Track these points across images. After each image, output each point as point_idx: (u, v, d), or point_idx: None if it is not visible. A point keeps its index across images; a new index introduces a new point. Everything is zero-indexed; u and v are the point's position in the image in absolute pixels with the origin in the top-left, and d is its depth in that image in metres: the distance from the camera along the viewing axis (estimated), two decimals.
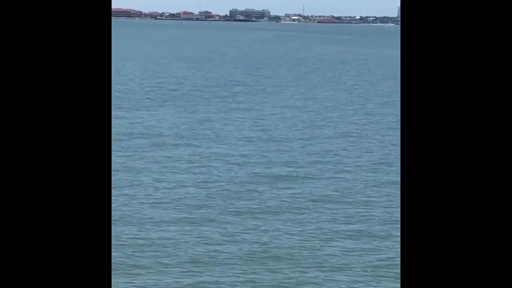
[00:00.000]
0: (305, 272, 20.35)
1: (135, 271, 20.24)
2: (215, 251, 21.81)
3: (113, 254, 20.97)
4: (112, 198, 26.02)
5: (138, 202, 26.52)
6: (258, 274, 20.33)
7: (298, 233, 23.55)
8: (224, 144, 37.97)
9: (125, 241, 22.32)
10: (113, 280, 19.39)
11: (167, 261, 20.93)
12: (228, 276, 20.09)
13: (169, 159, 33.90)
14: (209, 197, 27.44)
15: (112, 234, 22.73)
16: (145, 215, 25.00)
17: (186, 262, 20.92)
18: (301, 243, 22.60)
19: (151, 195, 27.58)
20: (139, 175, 30.58)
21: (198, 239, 22.76)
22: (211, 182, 29.75)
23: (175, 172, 31.41)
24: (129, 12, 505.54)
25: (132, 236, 22.86)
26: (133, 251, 21.57)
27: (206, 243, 22.44)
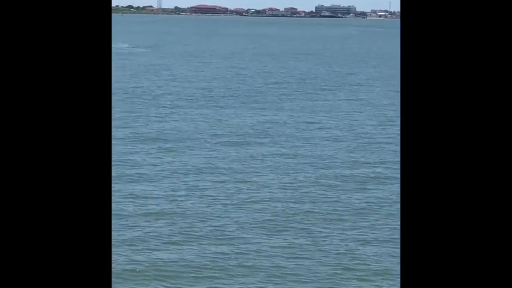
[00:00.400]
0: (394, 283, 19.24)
1: (212, 274, 19.45)
2: (300, 257, 20.84)
3: (200, 255, 20.51)
4: (193, 199, 25.51)
5: (222, 204, 25.72)
6: (346, 283, 19.32)
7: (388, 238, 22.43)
8: (309, 144, 37.00)
9: (206, 248, 21.53)
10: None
11: (248, 265, 20.07)
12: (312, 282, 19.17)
13: (252, 159, 33.08)
14: (294, 199, 26.49)
15: (198, 233, 22.20)
16: (228, 217, 24.18)
17: (270, 267, 20.02)
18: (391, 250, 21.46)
19: (233, 196, 26.76)
20: (222, 176, 29.81)
21: (283, 244, 21.82)
22: (296, 183, 28.80)
23: (259, 172, 30.54)
24: (215, 8, 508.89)
25: (214, 240, 22.07)
26: (214, 256, 20.76)
27: (291, 248, 21.49)
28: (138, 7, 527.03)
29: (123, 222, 23.33)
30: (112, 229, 21.97)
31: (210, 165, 31.60)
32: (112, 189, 26.98)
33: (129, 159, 32.32)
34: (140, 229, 22.74)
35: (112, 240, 21.15)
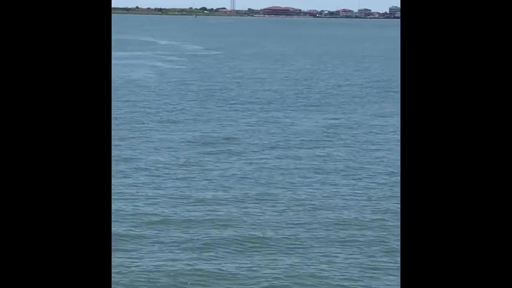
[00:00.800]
0: None
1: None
2: (376, 277, 19.95)
3: (264, 258, 19.83)
4: (262, 206, 24.76)
5: (294, 212, 24.95)
6: None
7: None
8: (383, 149, 36.02)
9: (277, 259, 20.78)
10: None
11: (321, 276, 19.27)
12: None
13: (324, 163, 32.24)
14: (370, 211, 25.57)
15: (269, 243, 21.48)
16: (299, 222, 23.40)
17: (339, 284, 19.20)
18: None
19: (305, 202, 25.98)
20: (292, 180, 29.05)
21: (357, 256, 20.95)
22: (370, 189, 27.86)
23: (330, 180, 29.69)
24: (288, 10, 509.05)
25: (285, 249, 21.31)
26: (292, 264, 20.00)
27: (371, 268, 20.61)
28: (212, 9, 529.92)
29: (192, 230, 22.73)
30: (182, 234, 21.63)
31: (279, 169, 30.85)
32: (180, 194, 26.52)
33: (199, 164, 31.77)
34: (207, 236, 22.10)
35: (176, 247, 20.76)
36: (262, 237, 22.14)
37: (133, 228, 22.62)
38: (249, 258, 20.49)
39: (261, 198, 26.34)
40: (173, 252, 20.76)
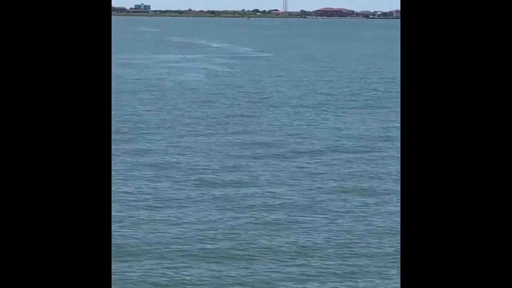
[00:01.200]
0: None
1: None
2: None
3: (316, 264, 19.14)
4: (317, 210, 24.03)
5: (344, 220, 24.26)
6: None
7: None
8: None
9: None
10: None
11: None
12: None
13: (377, 167, 31.49)
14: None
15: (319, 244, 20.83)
16: (348, 230, 22.72)
17: None
18: None
19: (356, 210, 25.28)
20: (345, 185, 28.37)
21: None
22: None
23: (383, 179, 28.95)
24: (341, 11, 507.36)
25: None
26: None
27: None
28: (264, 11, 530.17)
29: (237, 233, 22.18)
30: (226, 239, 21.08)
31: (330, 174, 30.17)
32: (227, 199, 25.99)
33: (246, 170, 31.22)
34: (270, 239, 21.53)
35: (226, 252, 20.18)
36: (313, 243, 21.51)
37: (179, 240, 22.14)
38: (299, 267, 19.89)
39: (311, 205, 25.72)
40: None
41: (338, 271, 19.64)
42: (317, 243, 21.62)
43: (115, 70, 77.94)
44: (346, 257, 20.61)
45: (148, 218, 23.74)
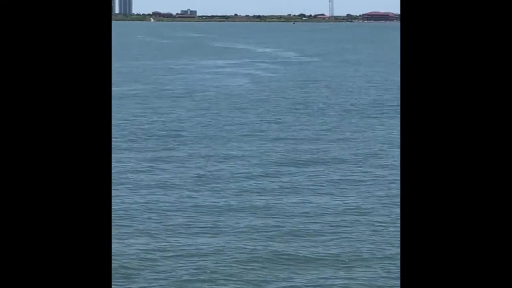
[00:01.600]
0: None
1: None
2: None
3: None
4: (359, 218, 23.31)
5: (394, 228, 23.53)
6: None
7: None
8: None
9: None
10: None
11: None
12: None
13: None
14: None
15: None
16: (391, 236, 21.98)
17: None
18: None
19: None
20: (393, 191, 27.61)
21: None
22: None
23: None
24: (388, 15, 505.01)
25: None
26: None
27: None
28: (310, 15, 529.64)
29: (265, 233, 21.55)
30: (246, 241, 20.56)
31: (376, 181, 29.45)
32: (268, 206, 25.39)
33: (285, 178, 30.59)
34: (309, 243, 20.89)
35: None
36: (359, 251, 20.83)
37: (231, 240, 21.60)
38: (346, 273, 19.23)
39: (358, 213, 25.05)
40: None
41: (380, 283, 18.96)
42: (361, 254, 20.96)
43: (156, 76, 77.82)
44: (390, 267, 19.92)
45: (186, 227, 23.23)
